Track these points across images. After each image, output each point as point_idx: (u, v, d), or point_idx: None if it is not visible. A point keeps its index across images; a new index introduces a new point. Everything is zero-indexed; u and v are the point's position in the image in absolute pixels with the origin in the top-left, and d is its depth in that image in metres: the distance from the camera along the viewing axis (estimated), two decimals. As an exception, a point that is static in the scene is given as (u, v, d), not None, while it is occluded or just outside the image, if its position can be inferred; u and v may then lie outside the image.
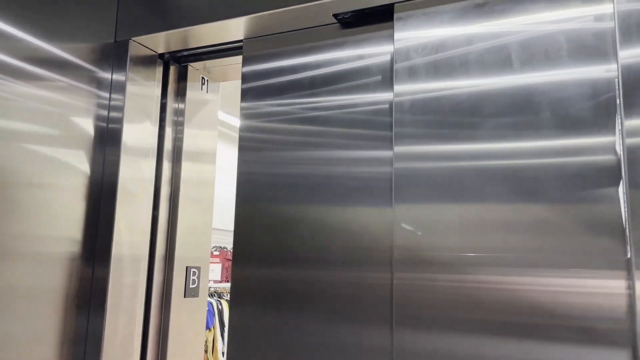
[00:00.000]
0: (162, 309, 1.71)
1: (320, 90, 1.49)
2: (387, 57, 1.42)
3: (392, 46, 1.39)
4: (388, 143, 1.37)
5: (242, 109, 1.59)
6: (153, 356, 1.68)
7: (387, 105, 1.39)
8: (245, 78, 1.61)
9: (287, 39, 1.57)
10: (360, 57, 1.46)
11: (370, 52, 1.45)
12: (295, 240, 1.44)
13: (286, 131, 1.52)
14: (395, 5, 1.38)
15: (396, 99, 1.35)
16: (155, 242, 1.71)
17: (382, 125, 1.39)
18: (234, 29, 1.59)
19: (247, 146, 1.57)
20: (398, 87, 1.35)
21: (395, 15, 1.39)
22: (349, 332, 1.34)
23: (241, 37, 1.64)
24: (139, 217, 1.66)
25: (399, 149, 1.33)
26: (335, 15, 1.46)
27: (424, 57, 1.34)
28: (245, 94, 1.60)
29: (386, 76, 1.41)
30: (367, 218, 1.37)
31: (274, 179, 1.51)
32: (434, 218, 1.26)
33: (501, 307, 1.18)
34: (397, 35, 1.38)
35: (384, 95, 1.40)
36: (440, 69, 1.32)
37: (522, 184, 1.20)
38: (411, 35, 1.36)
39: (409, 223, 1.29)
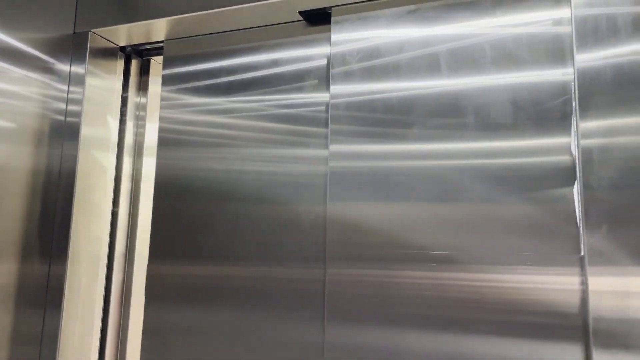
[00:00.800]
0: (121, 307, 1.69)
1: (254, 90, 1.54)
2: (324, 60, 1.47)
3: (329, 49, 1.44)
4: (324, 142, 1.42)
5: (162, 107, 1.64)
6: (112, 356, 1.65)
7: (323, 107, 1.44)
8: (165, 80, 1.65)
9: (225, 39, 1.61)
10: (300, 59, 1.50)
11: (309, 54, 1.50)
12: (232, 238, 1.47)
13: (205, 132, 1.58)
14: (333, 9, 1.43)
15: (332, 100, 1.39)
16: (115, 239, 1.69)
17: (319, 125, 1.44)
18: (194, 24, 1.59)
19: (166, 143, 1.61)
20: (334, 89, 1.40)
21: (333, 19, 1.43)
22: (281, 327, 1.38)
23: (205, 32, 1.64)
24: (98, 214, 1.63)
25: (334, 148, 1.36)
26: (301, 13, 1.48)
27: (359, 60, 1.39)
28: (167, 86, 1.60)
29: (323, 78, 1.46)
30: (301, 215, 1.41)
31: (194, 175, 1.56)
32: (365, 216, 1.31)
33: (428, 302, 1.22)
34: (334, 38, 1.42)
35: (321, 97, 1.46)
36: (374, 72, 1.37)
37: (457, 184, 1.24)
38: (347, 38, 1.41)
39: (341, 220, 1.32)
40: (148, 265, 1.57)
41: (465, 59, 1.30)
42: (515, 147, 1.22)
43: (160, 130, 1.63)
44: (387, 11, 1.39)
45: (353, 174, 1.34)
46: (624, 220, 1.07)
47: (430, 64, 1.33)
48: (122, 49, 1.75)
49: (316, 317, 1.35)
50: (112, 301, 1.67)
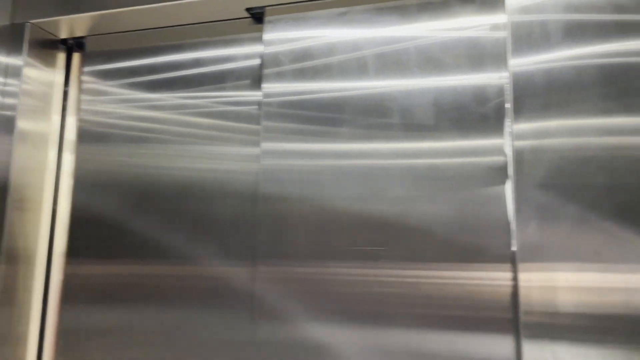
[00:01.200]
0: (61, 308, 1.64)
1: (188, 88, 1.55)
2: (257, 59, 1.49)
3: (262, 48, 1.46)
4: (256, 140, 1.44)
5: (84, 101, 1.64)
6: (50, 357, 1.61)
7: (256, 105, 1.47)
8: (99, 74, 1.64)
9: (163, 35, 1.61)
10: (234, 58, 1.52)
11: (243, 52, 1.52)
12: (158, 236, 1.46)
13: (135, 127, 1.58)
14: (267, 9, 1.45)
15: (264, 99, 1.42)
16: (54, 237, 1.64)
17: (252, 123, 1.47)
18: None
19: (87, 138, 1.61)
20: (266, 89, 1.42)
21: (266, 19, 1.45)
22: (210, 326, 1.40)
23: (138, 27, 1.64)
24: (35, 211, 1.58)
25: (266, 146, 1.39)
26: (249, 9, 1.49)
27: (291, 60, 1.42)
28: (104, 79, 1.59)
29: (256, 77, 1.48)
30: (231, 213, 1.43)
31: (116, 171, 1.56)
32: (296, 213, 1.34)
33: (358, 298, 1.26)
34: (267, 37, 1.45)
35: (253, 95, 1.48)
36: (305, 72, 1.40)
37: (386, 183, 1.28)
38: (280, 38, 1.44)
39: (272, 218, 1.35)
40: (65, 264, 1.54)
41: (392, 61, 1.33)
42: (449, 147, 1.26)
43: (81, 124, 1.61)
44: (319, 12, 1.42)
45: (284, 171, 1.36)
46: (552, 217, 1.12)
47: (359, 66, 1.36)
48: (64, 41, 1.71)
49: (246, 315, 1.36)
50: (51, 301, 1.62)
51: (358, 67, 1.36)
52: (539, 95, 1.18)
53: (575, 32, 1.17)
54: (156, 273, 1.47)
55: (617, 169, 1.09)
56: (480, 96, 1.26)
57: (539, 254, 1.12)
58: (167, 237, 1.48)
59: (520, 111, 1.19)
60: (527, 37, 1.21)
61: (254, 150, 1.45)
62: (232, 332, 1.38)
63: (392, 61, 1.34)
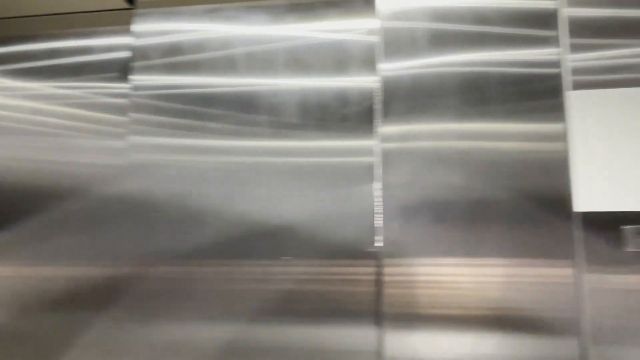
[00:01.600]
0: None
1: (58, 77, 1.47)
2: (127, 52, 1.45)
3: (132, 40, 1.43)
4: (123, 133, 1.41)
5: None
6: None
7: (124, 98, 1.42)
8: None
9: (35, 23, 1.51)
10: (105, 49, 1.47)
11: (114, 43, 1.47)
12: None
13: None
14: (138, 2, 1.43)
15: (133, 92, 1.39)
16: None
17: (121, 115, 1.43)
18: None
19: None
20: (134, 81, 1.40)
21: (136, 11, 1.43)
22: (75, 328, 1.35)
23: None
24: None
25: (134, 139, 1.37)
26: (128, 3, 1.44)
27: (161, 54, 1.40)
28: None
29: (124, 70, 1.44)
30: (96, 208, 1.39)
31: None
32: (161, 210, 1.33)
33: (223, 296, 1.28)
34: (136, 29, 1.43)
35: (122, 88, 1.43)
36: (175, 66, 1.39)
37: (252, 180, 1.30)
38: (150, 31, 1.42)
39: (136, 214, 1.34)
40: None
41: (261, 60, 1.35)
42: (317, 147, 1.29)
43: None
44: (190, 8, 1.40)
45: (150, 166, 1.34)
46: (414, 216, 1.19)
47: (228, 63, 1.36)
48: None
49: (119, 317, 1.33)
50: None
51: (227, 64, 1.36)
52: (406, 99, 1.23)
53: (441, 41, 1.24)
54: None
55: (472, 170, 1.17)
56: (350, 98, 1.30)
57: (401, 251, 1.18)
58: (25, 234, 1.39)
59: (388, 114, 1.24)
60: (397, 43, 1.27)
61: (120, 144, 1.40)
62: (100, 334, 1.32)
63: (262, 60, 1.34)
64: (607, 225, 1.06)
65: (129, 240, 1.32)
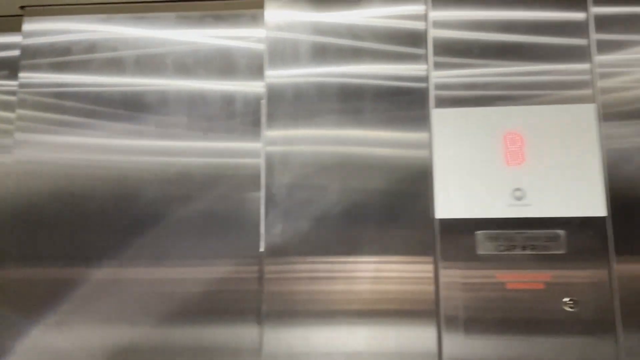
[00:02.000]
0: None
1: None
2: (16, 51, 1.44)
3: (21, 40, 1.42)
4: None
5: None
6: None
7: (14, 97, 1.41)
8: None
9: None
10: None
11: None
12: None
13: None
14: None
15: (20, 90, 1.38)
16: None
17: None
18: None
19: None
20: (22, 79, 1.38)
21: (27, 9, 1.41)
22: None
23: None
24: None
25: (20, 137, 1.36)
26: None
27: (49, 54, 1.39)
28: None
29: (13, 68, 1.43)
30: None
31: None
32: (45, 212, 1.32)
33: (107, 299, 1.28)
34: (26, 28, 1.41)
35: (11, 85, 1.43)
36: (64, 66, 1.39)
37: (138, 181, 1.32)
38: (39, 30, 1.40)
39: (24, 217, 1.32)
40: None
41: (150, 63, 1.37)
42: (203, 148, 1.32)
43: None
44: (82, 10, 1.40)
45: (37, 164, 1.33)
46: (295, 218, 1.24)
47: (117, 64, 1.37)
48: None
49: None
50: None
51: (117, 65, 1.37)
52: (289, 106, 1.29)
53: (321, 53, 1.30)
54: None
55: (348, 175, 1.24)
56: (237, 102, 1.34)
57: (282, 251, 1.23)
58: None
59: (273, 119, 1.29)
60: (282, 53, 1.32)
61: (8, 141, 1.37)
62: None
63: (151, 62, 1.36)
64: (463, 230, 1.17)
65: (13, 240, 1.28)
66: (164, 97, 1.35)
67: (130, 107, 1.35)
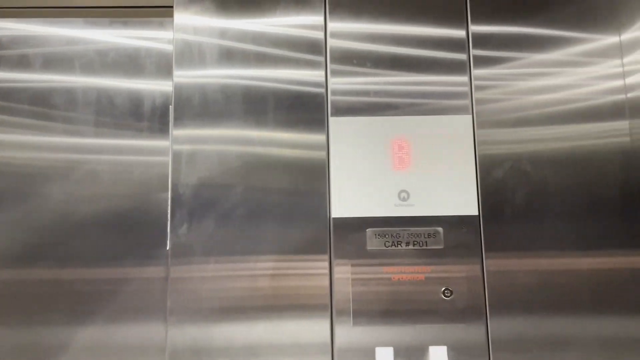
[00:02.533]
0: None
1: None
2: None
3: None
4: None
5: None
6: None
7: None
8: None
9: None
10: None
11: None
12: None
13: None
14: None
15: None
16: None
17: None
18: None
19: None
20: None
21: None
22: None
23: None
24: None
25: None
26: None
27: None
28: None
29: None
30: None
31: None
32: None
33: (16, 300, 1.30)
34: None
35: None
36: None
37: (45, 178, 1.34)
38: None
39: None
40: None
41: (60, 59, 1.39)
42: (111, 146, 1.35)
43: None
44: None
45: None
46: (201, 218, 1.30)
47: (23, 60, 1.38)
48: None
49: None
50: None
51: (24, 63, 1.37)
52: (196, 106, 1.34)
53: (226, 57, 1.36)
54: None
55: (251, 175, 1.31)
56: (146, 101, 1.37)
57: (188, 251, 1.28)
58: None
59: (180, 119, 1.34)
60: (189, 55, 1.37)
61: None
62: None
63: (59, 61, 1.37)
64: (355, 228, 1.28)
65: None
66: (72, 95, 1.37)
67: (37, 104, 1.35)
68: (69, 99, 1.37)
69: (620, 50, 1.37)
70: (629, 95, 1.35)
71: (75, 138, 1.36)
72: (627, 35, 1.38)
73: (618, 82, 1.36)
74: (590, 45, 1.38)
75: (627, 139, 1.33)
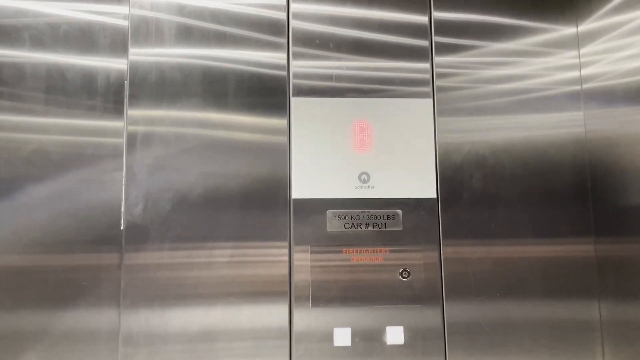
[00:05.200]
0: None
1: None
2: None
3: None
4: None
5: None
6: None
7: None
8: None
9: None
10: None
11: None
12: None
13: None
14: None
15: None
16: None
17: None
18: None
19: None
20: None
21: None
22: None
23: None
24: None
25: None
26: None
27: None
28: None
29: None
30: None
31: None
32: None
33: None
34: None
35: None
36: None
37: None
38: None
39: None
40: None
41: (4, 34, 1.39)
42: (62, 125, 1.36)
43: None
44: None
45: None
46: (156, 200, 1.33)
47: None
48: None
49: None
50: None
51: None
52: (152, 85, 1.37)
53: (185, 34, 1.40)
54: None
55: (209, 158, 1.35)
56: (99, 79, 1.38)
57: (143, 235, 1.31)
58: None
59: (136, 98, 1.36)
60: (145, 32, 1.39)
61: None
62: None
63: (5, 34, 1.37)
64: (315, 210, 1.34)
65: None
66: (20, 70, 1.37)
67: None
68: (17, 75, 1.37)
69: (577, 41, 1.48)
70: (585, 86, 1.46)
71: (24, 117, 1.36)
72: (585, 26, 1.48)
73: (574, 73, 1.47)
74: (549, 36, 1.48)
75: (582, 129, 1.44)
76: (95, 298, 1.31)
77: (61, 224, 1.32)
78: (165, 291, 1.29)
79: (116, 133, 1.37)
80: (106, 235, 1.33)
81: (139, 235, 1.31)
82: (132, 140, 1.34)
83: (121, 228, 1.32)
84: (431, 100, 1.41)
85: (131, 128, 1.35)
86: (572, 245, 1.38)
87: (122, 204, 1.32)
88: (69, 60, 1.39)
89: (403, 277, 1.32)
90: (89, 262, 1.32)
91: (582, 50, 1.48)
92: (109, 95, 1.38)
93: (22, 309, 1.29)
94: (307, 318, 1.30)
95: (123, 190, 1.33)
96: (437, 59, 1.43)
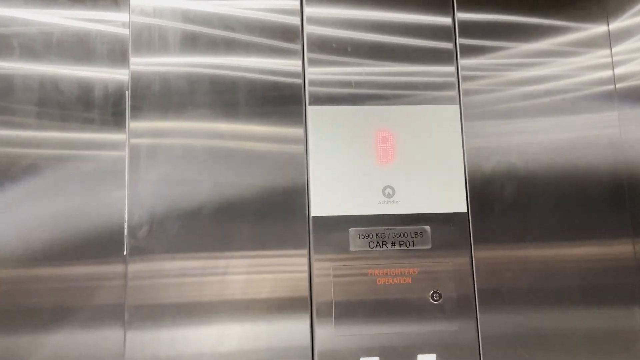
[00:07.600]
0: None
1: None
2: None
3: None
4: None
5: None
6: None
7: None
8: None
9: None
10: None
11: None
12: None
13: None
14: None
15: None
16: None
17: None
18: None
19: None
20: None
21: None
22: None
23: None
24: None
25: None
26: None
27: None
28: None
29: None
30: None
31: None
32: None
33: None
34: None
35: None
36: None
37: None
38: None
39: None
40: None
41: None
42: (62, 139, 1.33)
43: None
44: None
45: None
46: (163, 216, 1.30)
47: None
48: None
49: None
50: None
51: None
52: (157, 96, 1.34)
53: (191, 42, 1.37)
54: None
55: (221, 170, 1.32)
56: (97, 91, 1.35)
57: (148, 251, 1.28)
58: None
59: (138, 110, 1.34)
60: (148, 40, 1.37)
61: None
62: None
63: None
64: (337, 227, 1.31)
65: None
66: (10, 82, 1.34)
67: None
68: (7, 87, 1.34)
69: (609, 40, 1.46)
70: (618, 85, 1.44)
71: (16, 131, 1.33)
72: (616, 24, 1.46)
73: (607, 73, 1.45)
74: (579, 35, 1.46)
75: (616, 129, 1.42)
76: (98, 320, 1.27)
77: (59, 243, 1.28)
78: (176, 308, 1.26)
79: (116, 146, 1.33)
80: (110, 256, 1.29)
81: (145, 253, 1.28)
82: (136, 154, 1.31)
83: (125, 252, 1.28)
84: (457, 106, 1.38)
85: (134, 141, 1.32)
86: (610, 248, 1.36)
87: (126, 223, 1.29)
88: (62, 71, 1.36)
89: (434, 300, 1.28)
90: (91, 284, 1.28)
91: (615, 49, 1.46)
92: (107, 107, 1.35)
93: (24, 332, 1.26)
94: (330, 341, 1.26)
95: (126, 208, 1.29)
96: (463, 62, 1.41)
